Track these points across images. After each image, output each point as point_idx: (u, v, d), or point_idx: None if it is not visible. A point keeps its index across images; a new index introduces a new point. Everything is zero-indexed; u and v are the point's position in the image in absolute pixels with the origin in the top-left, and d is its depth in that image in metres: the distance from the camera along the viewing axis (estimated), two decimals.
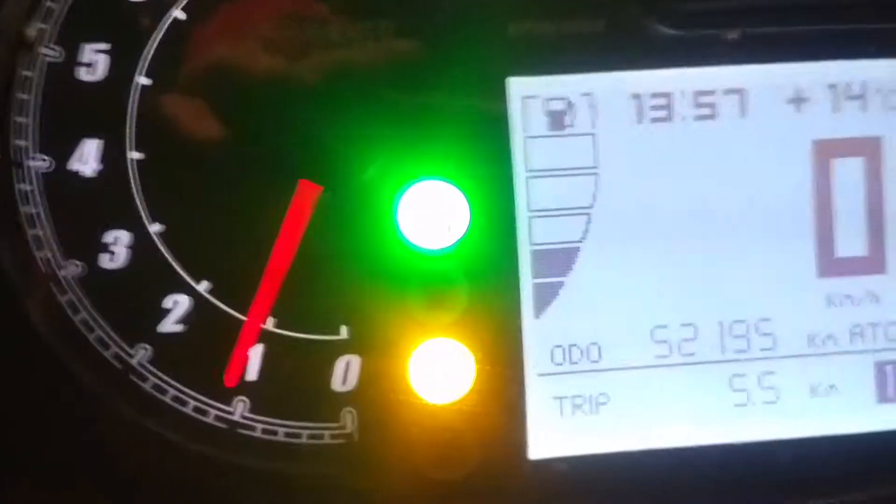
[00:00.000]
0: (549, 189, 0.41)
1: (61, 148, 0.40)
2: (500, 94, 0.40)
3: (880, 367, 0.43)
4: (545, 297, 0.41)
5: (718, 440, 0.42)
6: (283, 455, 0.40)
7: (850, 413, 0.43)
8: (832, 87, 0.42)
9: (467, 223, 0.39)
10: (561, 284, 0.41)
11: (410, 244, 0.39)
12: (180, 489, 0.40)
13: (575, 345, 0.41)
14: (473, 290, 0.40)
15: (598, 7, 0.41)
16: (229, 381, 0.38)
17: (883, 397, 0.44)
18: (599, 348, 0.42)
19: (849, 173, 0.42)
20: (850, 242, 0.42)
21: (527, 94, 0.40)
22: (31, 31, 0.38)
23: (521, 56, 0.40)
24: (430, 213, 0.39)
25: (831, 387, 0.43)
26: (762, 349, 0.42)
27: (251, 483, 0.40)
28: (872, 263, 0.43)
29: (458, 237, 0.39)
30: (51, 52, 0.38)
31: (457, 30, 0.39)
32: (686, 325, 0.41)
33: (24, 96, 0.38)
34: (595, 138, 0.41)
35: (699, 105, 0.41)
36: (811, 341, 0.42)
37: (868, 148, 0.43)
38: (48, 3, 0.38)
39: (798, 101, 0.42)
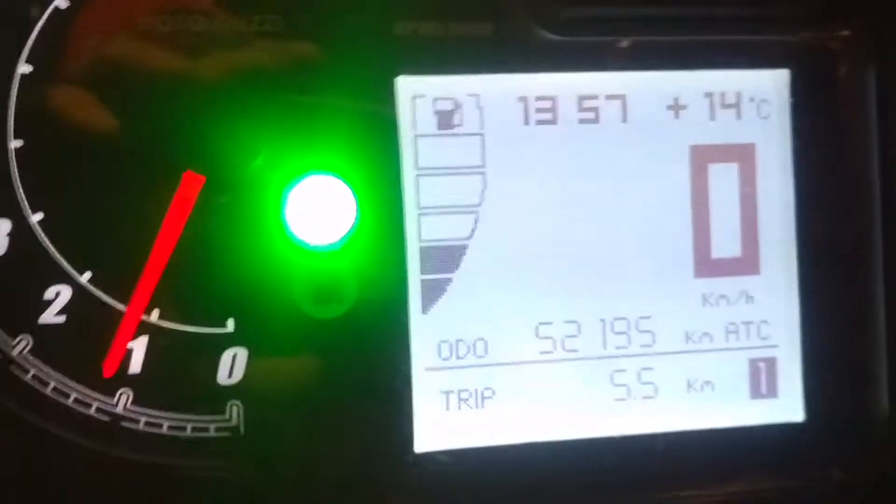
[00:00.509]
0: (437, 187, 0.41)
1: None
2: (390, 93, 0.40)
3: (753, 364, 0.45)
4: (433, 293, 0.41)
5: (599, 433, 0.43)
6: (168, 448, 0.39)
7: (725, 408, 0.45)
8: (708, 95, 0.44)
9: (354, 219, 0.40)
10: (448, 281, 0.42)
11: (297, 239, 0.39)
12: (62, 483, 0.38)
13: (462, 340, 0.42)
14: (361, 285, 0.41)
15: (485, 11, 0.41)
16: (108, 371, 0.37)
17: (756, 393, 0.46)
18: (486, 344, 0.42)
19: (724, 178, 0.44)
20: (726, 244, 0.44)
21: (415, 93, 0.41)
22: None
23: (409, 56, 0.40)
24: (317, 208, 0.40)
25: (707, 382, 0.45)
26: (642, 346, 0.43)
27: (134, 476, 0.39)
28: (746, 265, 0.45)
29: (345, 233, 0.40)
30: None
31: (345, 27, 0.39)
32: (569, 321, 0.43)
33: None
34: (483, 138, 0.41)
35: (583, 109, 0.43)
36: (688, 338, 0.44)
37: (742, 154, 0.45)
38: None
39: (676, 107, 0.43)
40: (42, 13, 0.37)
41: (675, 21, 0.42)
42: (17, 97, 0.38)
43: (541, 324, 0.42)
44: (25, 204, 0.38)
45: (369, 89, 0.40)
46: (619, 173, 0.42)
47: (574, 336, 0.42)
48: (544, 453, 0.42)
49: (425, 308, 0.41)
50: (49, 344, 0.38)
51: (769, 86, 0.44)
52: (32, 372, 0.38)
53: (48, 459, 0.39)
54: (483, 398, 0.42)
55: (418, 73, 0.40)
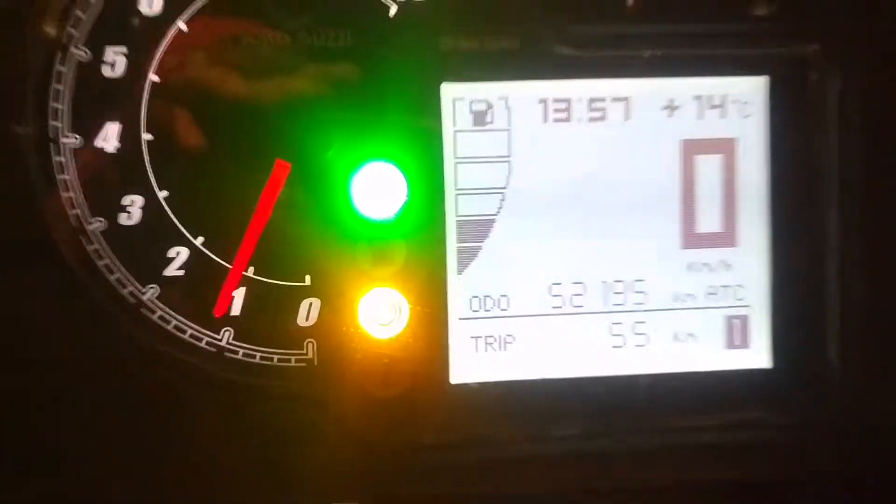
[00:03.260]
0: (472, 173, 0.52)
1: (88, 129, 0.49)
2: (435, 97, 0.50)
3: (729, 321, 0.55)
4: (466, 258, 0.52)
5: (599, 373, 0.53)
6: (259, 373, 0.50)
7: (704, 355, 0.55)
8: (698, 98, 0.53)
9: (405, 198, 0.50)
10: (479, 248, 0.52)
11: (360, 213, 0.49)
12: (178, 397, 0.50)
13: (489, 296, 0.52)
14: (410, 251, 0.51)
15: (514, 29, 0.50)
16: (217, 313, 0.49)
17: (731, 344, 0.55)
18: (508, 299, 0.53)
19: (709, 166, 0.53)
20: (709, 221, 0.53)
21: (456, 96, 0.51)
22: (51, 30, 0.47)
23: (452, 67, 0.50)
24: (376, 188, 0.50)
25: (690, 335, 0.54)
26: (636, 303, 0.53)
27: (234, 394, 0.50)
28: (726, 238, 0.54)
29: (398, 209, 0.50)
30: (80, 53, 0.47)
31: (401, 43, 0.49)
32: (576, 283, 0.53)
33: (59, 87, 0.47)
34: (509, 133, 0.51)
35: (592, 109, 0.52)
36: (675, 298, 0.54)
37: (725, 146, 0.53)
38: (77, 13, 0.48)
39: (671, 108, 0.53)
40: (167, 34, 0.47)
41: (671, 37, 0.51)
42: (148, 100, 0.48)
43: (553, 284, 0.52)
44: (154, 184, 0.49)
45: (420, 94, 0.50)
46: (622, 162, 0.52)
47: (580, 294, 0.52)
48: (554, 388, 0.53)
49: (460, 270, 0.51)
50: (171, 292, 0.50)
51: (751, 90, 0.52)
52: (158, 314, 0.50)
53: (168, 380, 0.50)
54: (505, 343, 0.52)
55: (459, 80, 0.50)
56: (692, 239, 0.52)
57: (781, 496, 0.58)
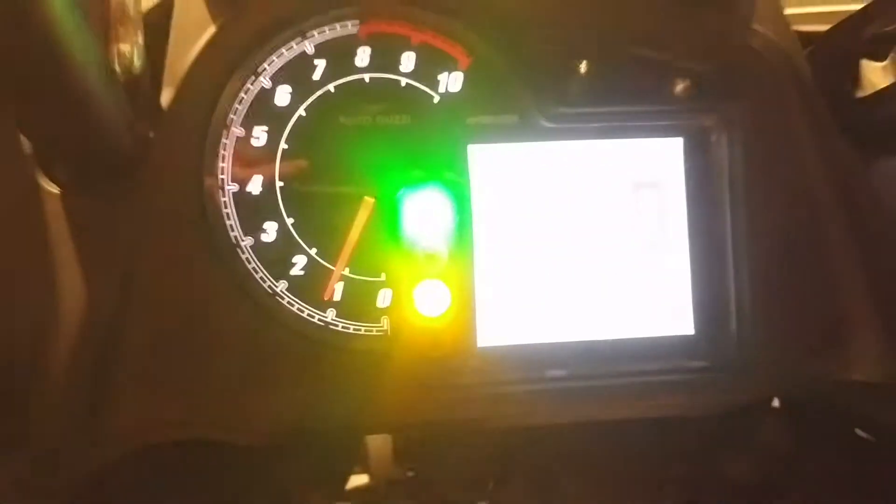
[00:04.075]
0: (491, 209, 0.74)
1: (242, 179, 0.69)
2: (465, 154, 0.71)
3: (666, 303, 0.78)
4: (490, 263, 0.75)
5: (578, 338, 0.73)
6: (351, 339, 0.70)
7: (651, 325, 0.74)
8: (639, 152, 0.77)
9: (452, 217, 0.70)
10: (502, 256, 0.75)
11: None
12: (298, 358, 0.69)
13: (509, 284, 0.74)
14: (450, 256, 0.73)
15: (514, 110, 0.71)
16: (326, 297, 0.70)
17: (667, 318, 0.78)
18: (516, 290, 0.75)
19: (649, 198, 0.74)
20: (650, 234, 0.77)
21: (478, 152, 0.72)
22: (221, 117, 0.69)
23: (475, 135, 0.71)
24: (427, 217, 0.73)
25: (642, 311, 0.77)
26: (606, 291, 0.77)
27: (336, 353, 0.69)
28: (662, 245, 0.78)
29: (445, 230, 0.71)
30: (238, 130, 0.69)
31: (443, 120, 0.70)
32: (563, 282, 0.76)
33: (224, 153, 0.68)
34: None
35: (565, 161, 0.76)
36: (633, 290, 0.77)
37: (659, 186, 0.74)
38: (236, 105, 0.69)
39: (623, 160, 0.77)
40: (294, 117, 0.69)
41: (617, 115, 0.72)
42: (280, 160, 0.68)
43: (547, 279, 0.75)
44: (284, 214, 0.69)
45: (456, 152, 0.71)
46: (588, 196, 0.74)
47: (567, 285, 0.75)
48: (548, 346, 0.72)
49: (482, 273, 0.73)
50: (295, 285, 0.70)
51: (672, 148, 0.74)
52: (287, 299, 0.70)
53: (291, 342, 0.69)
54: (517, 317, 0.73)
55: (480, 142, 0.71)
56: (637, 244, 0.74)
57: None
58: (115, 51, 0.61)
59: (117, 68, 0.62)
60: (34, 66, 0.48)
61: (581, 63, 0.71)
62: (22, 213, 0.61)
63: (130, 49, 0.62)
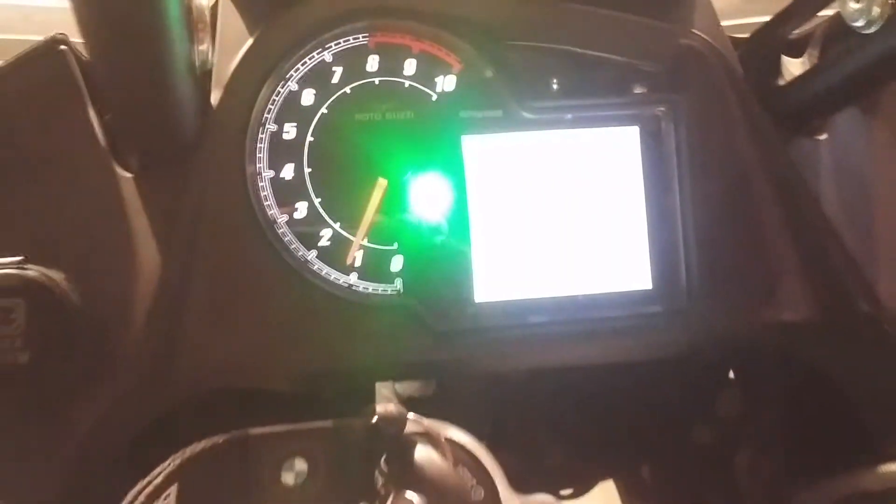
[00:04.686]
0: (484, 188, 0.90)
1: (277, 166, 0.80)
2: (459, 144, 0.83)
3: (624, 258, 0.94)
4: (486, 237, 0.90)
5: (557, 293, 0.89)
6: (370, 298, 0.81)
7: (618, 281, 0.93)
8: (602, 141, 0.93)
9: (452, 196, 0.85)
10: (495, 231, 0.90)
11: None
12: (324, 316, 0.79)
13: (502, 246, 0.90)
14: (450, 227, 0.88)
15: (498, 105, 0.83)
16: (348, 261, 0.83)
17: (631, 276, 0.94)
18: (510, 252, 0.90)
19: (615, 178, 0.93)
20: (616, 208, 0.93)
21: (470, 142, 0.88)
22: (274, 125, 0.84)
23: (468, 126, 0.83)
24: (430, 195, 0.88)
25: (610, 270, 0.93)
26: (583, 252, 0.93)
27: (358, 310, 0.79)
28: (627, 219, 0.94)
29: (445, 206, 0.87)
30: (272, 127, 0.82)
31: (440, 113, 0.84)
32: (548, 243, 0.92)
33: (261, 145, 0.81)
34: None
35: (544, 148, 0.92)
36: (603, 251, 0.93)
37: (621, 169, 0.93)
38: (269, 106, 0.85)
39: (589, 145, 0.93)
40: (317, 115, 0.83)
41: (585, 108, 0.85)
42: (308, 151, 0.82)
43: (533, 241, 0.90)
44: (312, 195, 0.84)
45: (451, 141, 0.83)
46: (563, 175, 0.89)
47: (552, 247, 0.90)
48: (532, 300, 0.84)
49: (479, 241, 0.89)
50: (323, 253, 0.82)
51: (630, 135, 0.86)
52: (316, 266, 0.83)
53: (321, 303, 0.79)
54: (508, 276, 0.88)
55: (471, 133, 0.84)
56: (604, 217, 0.91)
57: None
58: (195, 50, 0.75)
59: (196, 65, 0.76)
60: (150, 63, 0.63)
61: (553, 81, 0.85)
62: (103, 194, 0.75)
63: (206, 49, 0.76)
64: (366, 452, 0.57)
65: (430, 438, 0.59)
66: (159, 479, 0.52)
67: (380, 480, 0.57)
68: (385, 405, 0.59)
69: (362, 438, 0.57)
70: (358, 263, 0.84)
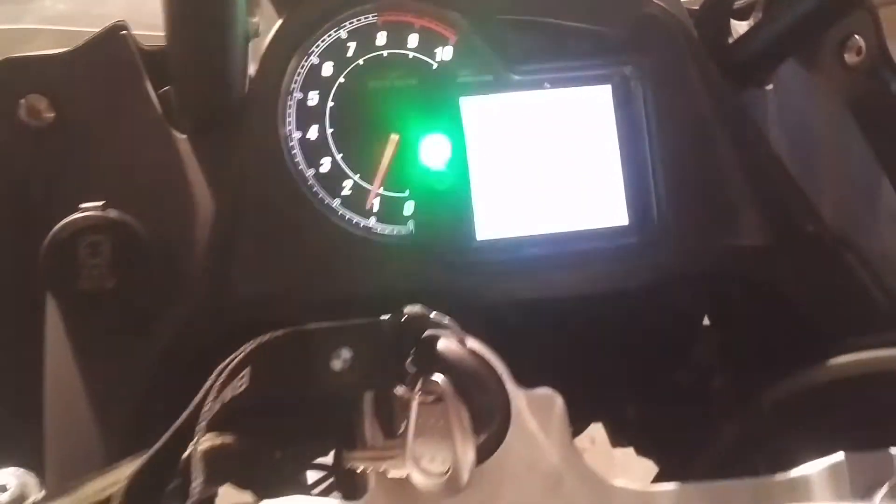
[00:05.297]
0: (480, 139, 1.05)
1: (303, 127, 0.92)
2: (458, 104, 0.93)
3: (599, 195, 1.09)
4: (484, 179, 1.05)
5: (542, 231, 1.06)
6: (386, 238, 0.89)
7: (597, 217, 1.08)
8: (580, 97, 1.08)
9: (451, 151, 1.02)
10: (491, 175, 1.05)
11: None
12: (351, 254, 0.89)
13: (500, 190, 1.05)
14: (454, 175, 1.03)
15: (489, 70, 0.94)
16: (367, 208, 0.97)
17: (608, 212, 1.09)
18: (514, 191, 1.05)
19: (594, 133, 1.08)
20: (594, 161, 1.08)
21: (468, 102, 1.04)
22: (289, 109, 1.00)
23: (465, 89, 0.92)
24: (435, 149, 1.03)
25: (591, 207, 1.08)
26: (563, 188, 1.07)
27: (377, 248, 0.88)
28: (604, 169, 1.09)
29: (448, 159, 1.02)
30: (299, 95, 0.97)
31: (441, 78, 1.00)
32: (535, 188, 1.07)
33: (290, 110, 0.96)
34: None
35: (528, 105, 1.06)
36: (585, 188, 1.08)
37: (597, 124, 1.08)
38: (296, 77, 1.01)
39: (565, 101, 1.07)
40: (335, 84, 0.99)
41: (564, 69, 1.00)
42: (329, 114, 1.00)
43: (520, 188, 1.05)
44: (334, 150, 0.99)
45: (450, 102, 0.91)
46: (549, 127, 1.04)
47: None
48: (519, 238, 0.97)
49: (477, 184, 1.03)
50: (346, 200, 0.93)
51: (604, 93, 0.95)
52: (341, 212, 0.95)
53: (345, 244, 0.89)
54: (504, 216, 1.04)
55: (468, 95, 0.96)
56: (583, 167, 1.07)
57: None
58: (250, 22, 0.90)
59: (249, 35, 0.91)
60: (215, 34, 0.77)
61: (536, 48, 1.01)
62: (162, 152, 0.90)
63: (257, 21, 0.91)
64: (398, 344, 0.71)
65: (451, 332, 0.73)
66: (235, 363, 0.66)
67: (410, 366, 0.71)
68: (413, 306, 0.73)
69: (396, 332, 0.71)
70: (376, 209, 0.94)
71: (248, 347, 0.68)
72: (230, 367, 0.65)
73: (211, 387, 0.64)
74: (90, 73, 0.90)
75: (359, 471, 0.76)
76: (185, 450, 0.67)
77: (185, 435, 0.66)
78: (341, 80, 0.95)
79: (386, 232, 0.95)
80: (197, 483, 0.61)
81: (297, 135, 0.97)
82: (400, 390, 0.71)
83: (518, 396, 0.79)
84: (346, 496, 0.79)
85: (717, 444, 0.96)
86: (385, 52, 0.99)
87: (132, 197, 0.88)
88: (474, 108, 0.99)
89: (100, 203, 0.85)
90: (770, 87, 1.05)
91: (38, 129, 0.88)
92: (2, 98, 0.89)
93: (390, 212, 0.94)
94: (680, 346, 1.30)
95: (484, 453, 0.75)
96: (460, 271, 0.97)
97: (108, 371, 0.85)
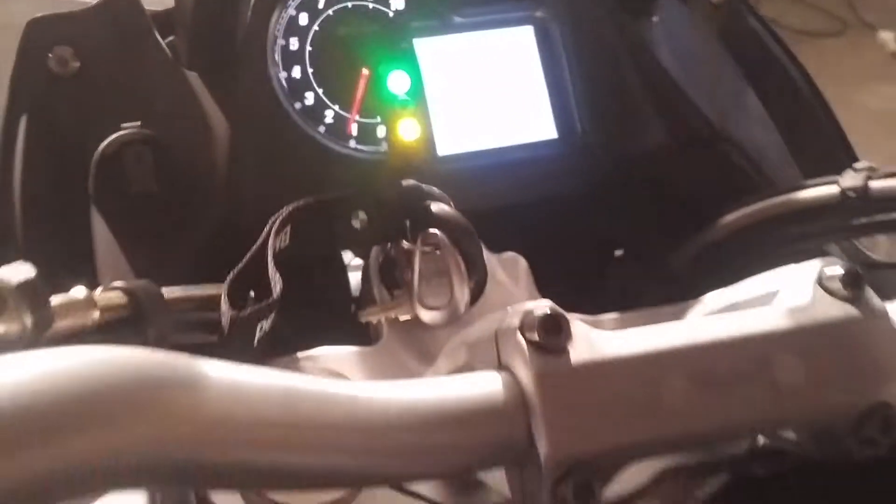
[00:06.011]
0: (435, 75, 1.27)
1: (289, 68, 1.17)
2: (412, 44, 1.23)
3: (532, 113, 1.33)
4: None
5: (505, 143, 1.29)
6: (365, 157, 1.18)
7: (531, 132, 1.32)
8: (509, 38, 1.31)
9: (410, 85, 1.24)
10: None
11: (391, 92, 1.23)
12: (336, 171, 1.06)
13: (450, 118, 1.27)
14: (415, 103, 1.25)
15: (435, 16, 1.26)
16: (347, 133, 1.20)
17: (538, 128, 1.33)
18: (470, 117, 1.28)
19: (525, 66, 1.32)
20: (530, 95, 1.32)
21: (420, 43, 1.26)
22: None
23: (417, 32, 1.21)
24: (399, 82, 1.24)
25: (527, 125, 1.32)
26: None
27: (356, 165, 1.02)
28: (539, 101, 1.33)
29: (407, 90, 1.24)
30: (282, 41, 1.19)
31: (397, 26, 1.24)
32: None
33: (276, 53, 1.18)
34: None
35: (477, 44, 1.29)
36: (527, 112, 1.31)
37: (525, 58, 1.32)
38: (278, 25, 1.20)
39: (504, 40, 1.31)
40: (311, 30, 1.19)
41: (495, 12, 1.27)
42: (308, 58, 1.20)
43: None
44: (316, 86, 1.19)
45: (407, 43, 1.17)
46: (486, 59, 1.28)
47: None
48: (484, 153, 1.27)
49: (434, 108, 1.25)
50: (329, 128, 1.14)
51: (528, 34, 1.26)
52: (325, 138, 1.18)
53: (331, 163, 1.06)
54: (465, 132, 1.26)
55: (420, 37, 1.20)
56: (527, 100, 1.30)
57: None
58: None
59: None
60: None
61: None
62: (177, 87, 1.08)
63: None
64: (402, 206, 0.92)
65: (441, 198, 0.94)
66: (278, 223, 0.86)
67: (413, 224, 0.92)
68: (408, 180, 0.94)
69: (398, 198, 0.92)
70: (354, 134, 1.11)
71: (283, 211, 0.87)
72: (275, 226, 0.84)
73: (269, 233, 0.83)
74: (107, 26, 1.07)
75: (374, 322, 0.96)
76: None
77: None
78: (315, 27, 1.15)
79: (364, 153, 1.10)
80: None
81: (283, 74, 1.16)
82: (405, 244, 0.91)
83: (489, 257, 1.00)
84: None
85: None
86: (349, 4, 1.20)
87: (156, 124, 1.05)
88: (427, 48, 1.21)
89: (136, 123, 1.02)
90: (656, 18, 1.31)
91: (66, 76, 1.04)
92: (34, 52, 1.04)
93: (367, 136, 1.09)
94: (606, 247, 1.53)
95: (473, 296, 0.96)
96: (427, 181, 1.19)
97: (157, 261, 1.02)
